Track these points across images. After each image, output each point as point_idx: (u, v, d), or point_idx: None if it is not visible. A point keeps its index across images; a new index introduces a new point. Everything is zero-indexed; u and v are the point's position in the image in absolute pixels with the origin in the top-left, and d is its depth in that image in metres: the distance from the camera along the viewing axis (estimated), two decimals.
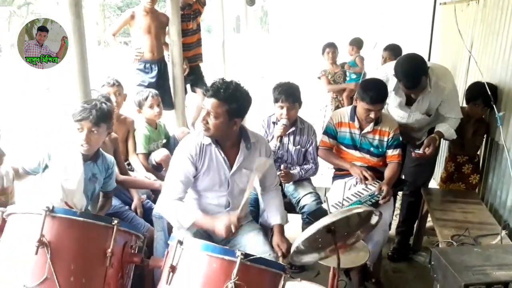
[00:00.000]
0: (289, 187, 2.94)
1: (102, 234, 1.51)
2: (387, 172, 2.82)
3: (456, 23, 3.18)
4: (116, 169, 2.41)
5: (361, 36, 5.49)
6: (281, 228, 2.31)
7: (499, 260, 1.92)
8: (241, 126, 2.21)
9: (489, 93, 2.88)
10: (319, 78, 5.16)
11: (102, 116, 2.13)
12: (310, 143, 2.95)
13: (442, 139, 3.02)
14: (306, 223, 2.78)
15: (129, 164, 3.12)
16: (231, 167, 2.20)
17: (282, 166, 2.84)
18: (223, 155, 2.17)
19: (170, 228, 2.44)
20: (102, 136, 2.21)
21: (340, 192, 2.55)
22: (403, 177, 3.13)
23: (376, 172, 2.88)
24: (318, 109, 5.27)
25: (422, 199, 3.22)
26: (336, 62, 5.17)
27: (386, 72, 2.91)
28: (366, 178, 2.75)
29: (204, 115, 2.08)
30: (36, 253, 1.40)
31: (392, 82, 2.86)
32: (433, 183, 3.97)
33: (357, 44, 5.24)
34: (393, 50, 4.57)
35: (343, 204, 2.52)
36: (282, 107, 2.79)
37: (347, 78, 5.12)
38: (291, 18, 11.00)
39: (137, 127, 3.19)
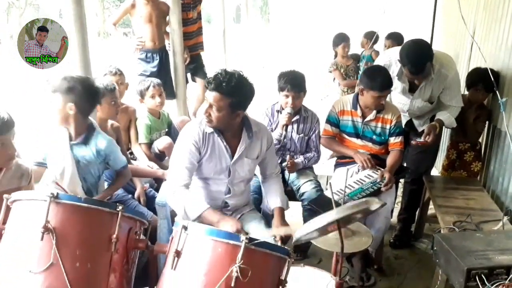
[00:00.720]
0: (291, 175, 2.95)
1: (107, 220, 1.51)
2: (389, 160, 2.83)
3: (459, 9, 3.15)
4: (116, 148, 2.35)
5: (363, 25, 5.43)
6: (281, 211, 2.31)
7: (501, 245, 1.94)
8: (243, 115, 2.21)
9: (491, 77, 2.86)
10: (330, 72, 5.10)
11: (55, 86, 2.11)
12: (313, 131, 2.96)
13: (443, 127, 3.02)
14: (306, 210, 2.80)
15: (131, 153, 3.13)
16: (232, 155, 2.20)
17: (288, 157, 2.84)
18: (225, 143, 2.17)
19: (173, 216, 2.46)
20: (59, 108, 2.14)
21: (342, 180, 2.56)
22: (405, 164, 3.14)
23: (378, 160, 2.89)
24: (319, 99, 5.26)
25: (424, 186, 3.23)
26: (347, 55, 5.07)
27: (389, 57, 2.90)
28: (371, 165, 2.74)
29: (207, 107, 2.07)
30: (42, 239, 1.41)
31: (395, 68, 2.85)
32: (435, 172, 3.98)
33: (371, 37, 5.12)
34: (395, 39, 4.55)
35: (345, 192, 2.52)
36: (287, 96, 2.79)
37: (361, 72, 5.02)
38: (292, 8, 10.93)
39: (139, 117, 3.19)
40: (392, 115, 2.84)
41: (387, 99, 2.95)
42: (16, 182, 2.00)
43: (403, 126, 2.98)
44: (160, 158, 3.20)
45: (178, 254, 1.48)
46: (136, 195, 2.76)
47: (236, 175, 2.24)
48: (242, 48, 7.87)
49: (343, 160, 2.99)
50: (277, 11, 11.74)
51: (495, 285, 1.73)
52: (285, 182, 2.88)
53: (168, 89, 3.85)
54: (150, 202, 2.74)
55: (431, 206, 3.18)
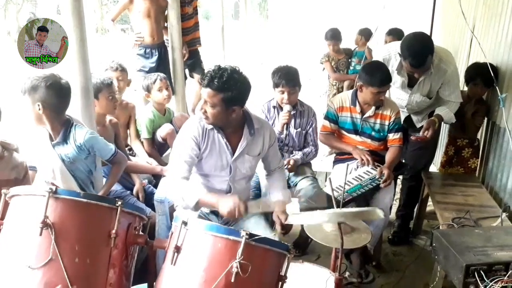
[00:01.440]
0: (290, 173, 2.95)
1: (106, 216, 1.50)
2: (388, 156, 2.83)
3: (459, 4, 3.15)
4: (98, 138, 2.28)
5: (363, 21, 5.41)
6: (283, 204, 2.30)
7: (500, 241, 1.94)
8: (244, 111, 2.19)
9: (490, 72, 2.86)
10: (321, 63, 5.11)
11: (22, 88, 2.10)
12: (310, 125, 2.96)
13: (442, 123, 3.02)
14: (302, 207, 2.80)
15: (130, 149, 3.12)
16: (233, 152, 2.19)
17: (286, 160, 2.84)
18: (225, 140, 2.16)
19: (171, 213, 2.46)
20: (30, 110, 2.12)
21: (342, 176, 2.55)
22: (403, 161, 3.14)
23: (377, 156, 2.89)
24: (318, 95, 5.25)
25: (423, 183, 3.24)
26: (339, 49, 5.06)
27: (389, 51, 2.89)
28: (369, 161, 2.74)
29: (202, 104, 2.08)
30: (41, 234, 1.40)
31: (394, 62, 2.85)
32: (433, 168, 3.98)
33: (366, 34, 5.10)
34: (396, 34, 4.54)
35: (344, 188, 2.52)
36: (283, 92, 2.78)
37: (352, 67, 5.01)
38: (291, 4, 10.90)
39: (143, 112, 3.18)
40: (391, 111, 2.83)
41: (386, 95, 2.95)
42: (7, 173, 2.00)
43: (402, 122, 2.98)
44: (161, 149, 3.18)
45: (178, 249, 1.48)
46: (134, 191, 2.75)
47: (237, 172, 2.23)
48: (241, 44, 7.86)
49: (342, 157, 2.99)
50: (276, 8, 11.70)
51: (494, 281, 1.73)
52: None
53: None
54: (148, 198, 2.74)
55: (429, 202, 3.19)
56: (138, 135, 3.17)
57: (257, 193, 2.69)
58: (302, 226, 2.63)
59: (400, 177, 3.44)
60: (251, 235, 1.44)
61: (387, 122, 2.85)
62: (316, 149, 3.02)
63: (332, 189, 2.19)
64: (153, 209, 2.56)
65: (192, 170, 2.18)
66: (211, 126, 2.14)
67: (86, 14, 2.29)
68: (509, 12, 3.00)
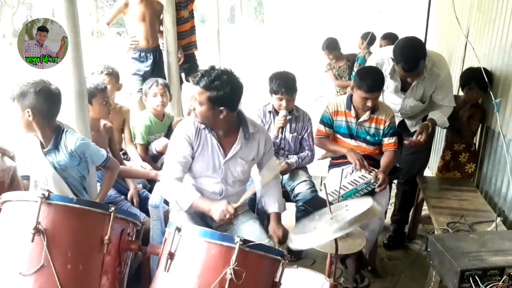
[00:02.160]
0: (284, 176, 2.95)
1: (99, 221, 1.50)
2: (383, 160, 2.83)
3: (453, 10, 3.17)
4: (89, 144, 2.24)
5: (358, 25, 5.43)
6: (278, 216, 2.32)
7: (495, 246, 1.94)
8: (240, 115, 2.20)
9: (484, 75, 2.88)
10: (325, 72, 5.15)
11: (11, 95, 2.07)
12: (305, 130, 2.97)
13: (437, 127, 3.03)
14: (300, 211, 2.79)
15: (125, 154, 3.10)
16: (225, 154, 2.19)
17: (280, 162, 2.84)
18: (216, 141, 2.16)
19: (166, 217, 2.44)
20: (19, 117, 2.09)
21: (337, 180, 2.55)
22: (398, 165, 3.14)
23: (372, 161, 2.89)
24: (313, 99, 5.27)
25: (418, 187, 3.24)
26: (339, 57, 5.07)
27: (382, 56, 2.91)
28: (363, 165, 2.74)
29: (193, 101, 2.08)
30: (32, 240, 1.39)
31: (388, 66, 2.86)
32: (428, 173, 3.99)
33: (368, 39, 5.12)
34: (391, 39, 4.57)
35: (339, 192, 2.52)
36: (281, 99, 2.80)
37: (353, 73, 5.01)
38: (286, 8, 10.94)
39: (140, 117, 3.17)
40: (386, 116, 2.84)
41: (380, 99, 2.96)
42: None
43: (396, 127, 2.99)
44: (156, 159, 3.17)
45: (171, 256, 1.47)
46: (129, 196, 2.73)
47: (229, 175, 2.23)
48: (236, 48, 7.86)
49: (337, 161, 2.99)
50: (272, 12, 11.74)
51: (488, 287, 1.73)
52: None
53: None
54: (143, 203, 2.72)
55: (424, 207, 3.19)
56: (132, 139, 3.15)
57: (252, 198, 2.67)
58: None
59: (395, 181, 3.44)
60: (245, 241, 1.43)
61: (382, 127, 2.85)
62: (312, 153, 3.02)
63: (327, 194, 2.18)
64: (148, 214, 2.54)
65: (186, 171, 2.18)
66: (203, 125, 2.14)
67: (81, 17, 2.28)
68: (503, 17, 3.02)
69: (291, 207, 2.90)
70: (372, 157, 2.91)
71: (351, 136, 2.90)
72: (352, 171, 2.81)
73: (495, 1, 3.19)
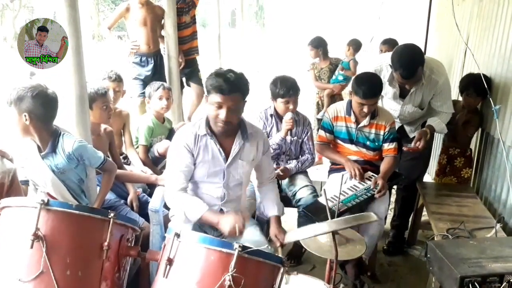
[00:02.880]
0: (285, 181, 2.95)
1: (98, 227, 1.49)
2: (383, 166, 2.83)
3: (453, 17, 3.18)
4: (86, 146, 2.25)
5: (358, 31, 5.43)
6: (278, 219, 2.32)
7: (494, 253, 1.94)
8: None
9: (483, 81, 2.89)
10: (308, 71, 5.14)
11: (8, 100, 2.07)
12: (305, 134, 2.98)
13: (434, 133, 3.04)
14: (301, 217, 2.79)
15: (125, 157, 3.10)
16: (227, 158, 2.19)
17: (279, 168, 2.85)
18: (218, 146, 2.16)
19: (166, 222, 2.44)
20: (16, 121, 2.09)
21: (337, 186, 2.55)
22: (397, 171, 3.14)
23: (372, 166, 2.89)
24: (312, 103, 5.27)
25: (417, 193, 3.24)
26: (323, 57, 5.02)
27: (380, 62, 2.92)
28: (360, 175, 2.74)
29: (226, 113, 2.03)
30: (31, 247, 1.39)
31: (386, 73, 2.87)
32: (428, 178, 3.99)
33: (354, 45, 5.09)
34: (391, 44, 4.57)
35: (339, 198, 2.52)
36: (287, 102, 2.81)
37: (334, 76, 4.99)
38: (287, 13, 10.98)
39: (143, 119, 3.18)
40: (386, 121, 2.84)
41: (379, 105, 2.96)
42: None
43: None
44: (157, 162, 3.18)
45: (170, 262, 1.46)
46: (128, 200, 2.73)
47: (231, 178, 2.23)
48: (237, 52, 7.88)
49: (337, 166, 2.99)
50: (272, 16, 11.78)
51: None
52: (279, 188, 2.89)
53: None
54: (143, 208, 2.72)
55: (424, 212, 3.19)
56: (132, 143, 3.16)
57: (253, 203, 2.67)
58: None
59: (395, 187, 3.44)
60: (244, 248, 1.43)
61: (382, 132, 2.85)
62: (313, 157, 3.03)
63: (327, 200, 2.18)
64: (147, 218, 2.53)
65: (189, 179, 2.17)
66: (204, 133, 2.14)
67: (82, 21, 2.28)
68: (503, 24, 3.03)
69: (292, 212, 2.91)
70: (372, 163, 2.91)
71: (351, 141, 2.90)
72: (351, 178, 2.81)
73: (495, 8, 3.20)
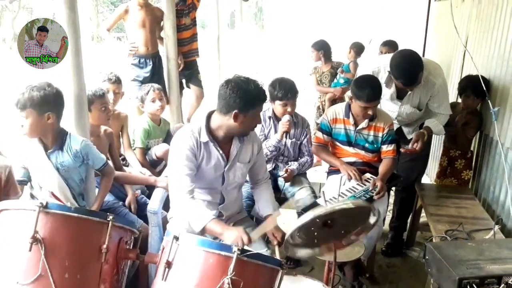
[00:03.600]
0: (286, 183, 2.95)
1: (97, 230, 1.49)
2: (381, 168, 2.83)
3: (452, 19, 3.19)
4: (92, 147, 2.29)
5: (357, 33, 5.42)
6: (275, 220, 2.30)
7: (492, 254, 1.94)
8: None
9: (481, 83, 2.89)
10: (310, 75, 5.14)
11: (25, 102, 2.06)
12: (304, 136, 2.98)
13: (432, 135, 3.05)
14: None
15: (124, 159, 3.10)
16: (227, 162, 2.19)
17: (284, 168, 2.86)
18: (221, 152, 2.16)
19: (165, 224, 2.44)
20: (37, 122, 2.09)
21: (335, 187, 2.56)
22: (396, 172, 3.15)
23: (371, 168, 2.89)
24: (312, 106, 5.28)
25: (416, 194, 3.24)
26: (325, 60, 5.02)
27: (378, 65, 2.93)
28: (354, 176, 2.75)
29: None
30: (30, 249, 1.39)
31: (384, 75, 2.88)
32: (426, 179, 4.00)
33: (356, 48, 5.08)
34: (391, 46, 4.59)
35: (338, 199, 2.52)
36: (286, 104, 2.82)
37: (336, 80, 4.98)
38: (286, 14, 10.98)
39: (139, 121, 3.17)
40: (385, 123, 2.85)
41: (377, 106, 2.97)
42: None
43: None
44: (155, 164, 3.17)
45: (169, 265, 1.46)
46: (127, 202, 2.73)
47: (229, 181, 2.23)
48: (236, 54, 7.88)
49: (335, 168, 2.99)
50: (271, 18, 11.78)
51: None
52: (279, 189, 2.89)
53: None
54: (141, 209, 2.72)
55: (422, 214, 3.19)
56: (131, 145, 3.16)
57: (250, 204, 2.67)
58: None
59: (393, 188, 3.44)
60: (243, 251, 1.43)
61: (380, 134, 2.86)
62: (312, 158, 3.04)
63: (326, 201, 2.19)
64: (146, 220, 2.53)
65: (194, 182, 2.12)
66: (206, 139, 2.13)
67: (82, 22, 2.28)
68: (501, 26, 3.04)
69: (290, 214, 2.90)
70: (370, 165, 2.92)
71: (349, 143, 2.90)
72: (351, 178, 2.81)
73: (494, 11, 3.21)
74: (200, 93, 4.56)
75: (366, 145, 2.88)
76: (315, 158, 3.15)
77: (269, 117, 2.94)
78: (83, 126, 2.34)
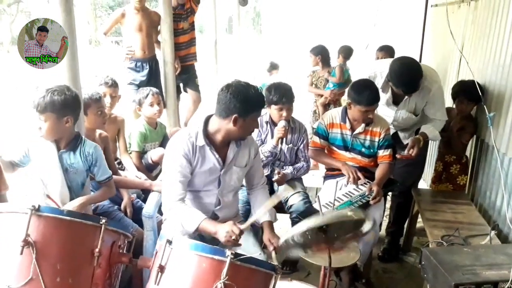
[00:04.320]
0: (279, 187, 2.94)
1: (89, 234, 1.48)
2: (378, 173, 2.83)
3: (448, 25, 3.20)
4: (102, 156, 2.31)
5: (353, 38, 5.44)
6: (271, 224, 2.29)
7: (488, 260, 1.94)
8: None
9: (473, 88, 2.91)
10: (307, 77, 5.16)
11: (45, 105, 2.06)
12: (301, 141, 2.97)
13: (428, 141, 3.05)
14: (294, 223, 2.78)
15: (120, 163, 3.09)
16: (223, 166, 2.18)
17: (276, 171, 2.85)
18: (217, 156, 2.16)
19: (159, 228, 2.42)
20: (55, 125, 2.10)
21: (331, 192, 2.55)
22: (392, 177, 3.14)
23: (368, 173, 2.89)
24: (310, 110, 5.28)
25: (412, 199, 3.24)
26: (323, 66, 5.05)
27: (374, 70, 2.93)
28: (358, 178, 2.74)
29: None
30: (21, 253, 1.37)
31: (380, 80, 2.88)
32: (423, 184, 3.99)
33: (343, 52, 5.09)
34: (388, 51, 4.60)
35: (334, 204, 2.51)
36: (281, 109, 2.81)
37: (328, 84, 5.01)
38: (284, 19, 11.00)
39: (135, 125, 3.16)
40: (381, 128, 2.84)
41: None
42: None
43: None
44: (150, 168, 3.16)
45: (162, 269, 1.45)
46: (122, 206, 2.71)
47: (225, 185, 2.22)
48: (234, 58, 7.90)
49: (332, 172, 2.99)
50: (269, 22, 11.81)
51: None
52: (273, 193, 2.88)
53: None
54: (137, 213, 2.70)
55: (419, 219, 3.18)
56: (127, 149, 3.15)
57: (248, 208, 2.66)
58: None
59: (390, 193, 3.44)
60: (236, 255, 1.42)
61: (377, 139, 2.85)
62: (308, 164, 3.02)
63: (321, 206, 2.18)
64: (141, 224, 2.52)
65: (186, 189, 2.14)
66: (202, 143, 2.13)
67: (80, 26, 2.29)
68: (497, 32, 3.05)
69: (285, 219, 2.89)
70: (367, 169, 2.91)
71: (346, 148, 2.90)
72: (347, 183, 2.80)
73: (489, 16, 3.23)
74: (197, 98, 4.56)
75: (363, 150, 2.88)
76: (312, 163, 3.14)
77: (266, 122, 2.93)
78: (79, 130, 2.34)
